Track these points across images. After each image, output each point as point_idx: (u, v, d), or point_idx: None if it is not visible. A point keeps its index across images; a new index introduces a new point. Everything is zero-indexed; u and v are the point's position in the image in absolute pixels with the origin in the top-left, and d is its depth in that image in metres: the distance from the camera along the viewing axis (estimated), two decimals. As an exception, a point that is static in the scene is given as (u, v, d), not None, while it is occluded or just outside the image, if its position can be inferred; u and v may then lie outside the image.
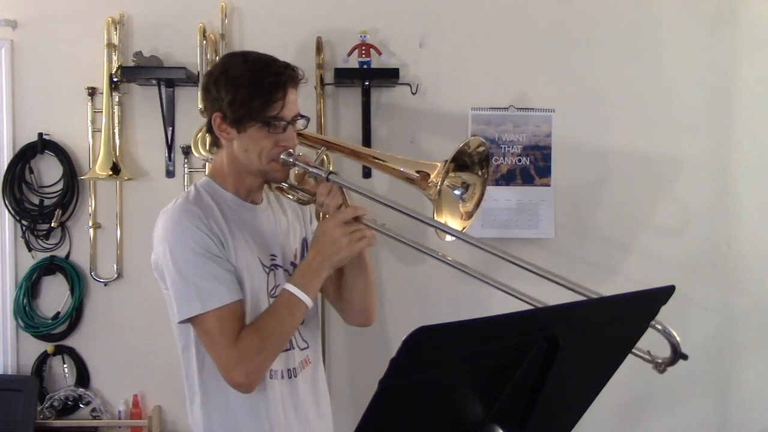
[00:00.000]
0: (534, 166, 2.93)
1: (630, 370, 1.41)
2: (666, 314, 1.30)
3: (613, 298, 1.22)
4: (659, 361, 1.34)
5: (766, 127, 3.01)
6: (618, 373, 1.36)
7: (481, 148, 1.70)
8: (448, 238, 1.63)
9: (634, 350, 1.36)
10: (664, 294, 1.24)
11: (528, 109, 2.92)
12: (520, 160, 2.93)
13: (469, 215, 1.71)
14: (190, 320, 1.54)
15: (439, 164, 1.65)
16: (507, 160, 2.91)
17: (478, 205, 1.72)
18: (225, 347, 1.50)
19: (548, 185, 2.93)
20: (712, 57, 3.00)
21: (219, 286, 1.52)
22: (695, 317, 2.94)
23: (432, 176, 1.65)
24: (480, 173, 1.71)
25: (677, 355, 1.30)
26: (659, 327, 1.30)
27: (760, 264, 3.00)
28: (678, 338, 1.30)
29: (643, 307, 1.29)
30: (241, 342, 1.50)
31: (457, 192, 1.71)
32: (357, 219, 1.57)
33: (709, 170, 3.01)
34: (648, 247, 3.00)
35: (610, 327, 1.27)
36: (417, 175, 1.67)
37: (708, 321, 2.99)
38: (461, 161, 1.69)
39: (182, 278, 1.52)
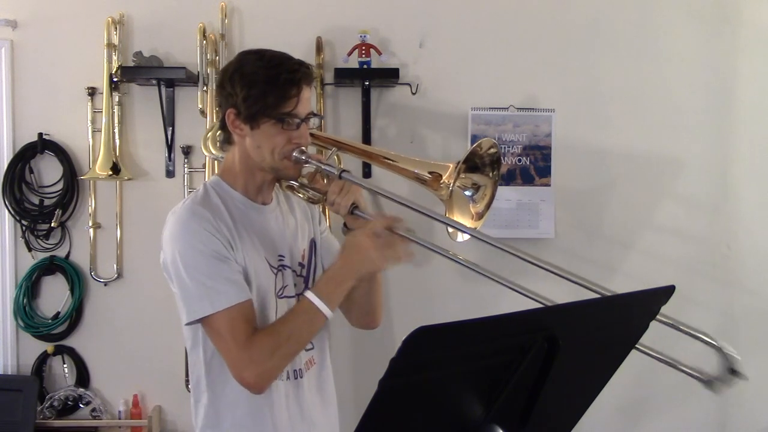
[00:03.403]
0: (534, 166, 2.93)
1: (630, 371, 1.41)
2: (666, 314, 1.30)
3: (613, 298, 1.22)
4: (711, 379, 1.30)
5: (766, 127, 3.01)
6: (618, 373, 1.36)
7: (493, 150, 1.70)
8: (460, 238, 1.63)
9: (684, 368, 1.32)
10: (664, 294, 1.24)
11: (528, 109, 2.92)
12: (520, 160, 2.93)
13: (480, 216, 1.71)
14: (200, 321, 1.53)
15: (451, 165, 1.65)
16: (507, 160, 2.91)
17: (488, 206, 1.72)
18: (236, 347, 1.50)
19: (548, 185, 2.93)
20: (712, 57, 3.00)
21: (228, 287, 1.52)
22: (695, 317, 2.89)
23: (444, 177, 1.64)
24: (491, 175, 1.71)
25: (733, 373, 1.28)
26: (714, 343, 1.26)
27: (760, 264, 3.00)
28: (735, 354, 1.26)
29: (643, 306, 1.29)
30: (255, 344, 1.49)
31: (467, 193, 1.71)
32: (390, 229, 1.54)
33: (709, 170, 3.02)
34: (648, 246, 3.00)
35: (611, 327, 1.27)
36: (429, 176, 1.67)
37: (708, 321, 2.97)
38: (472, 162, 1.69)
39: (191, 280, 1.51)
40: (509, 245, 1.47)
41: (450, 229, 1.64)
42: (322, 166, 1.64)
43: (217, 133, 1.84)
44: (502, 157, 1.72)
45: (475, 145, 1.68)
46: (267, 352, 1.49)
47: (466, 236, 1.63)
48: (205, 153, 2.03)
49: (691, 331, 1.34)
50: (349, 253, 1.56)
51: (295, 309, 1.58)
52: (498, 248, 1.48)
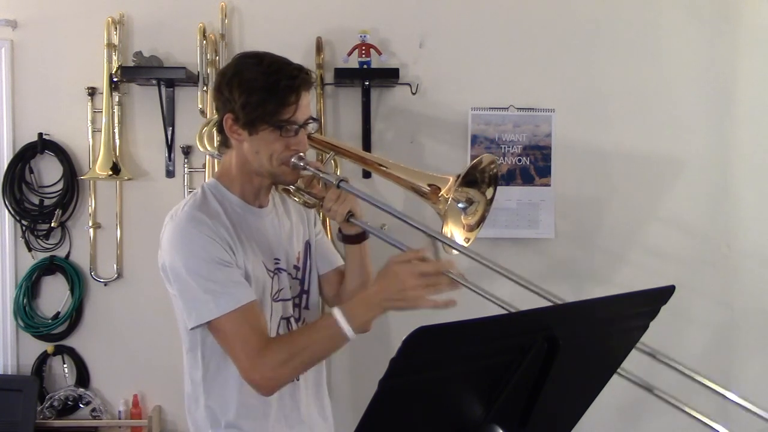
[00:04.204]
0: (534, 166, 2.93)
1: (630, 371, 1.41)
2: (666, 314, 1.30)
3: (613, 298, 1.22)
4: None
5: (766, 127, 3.01)
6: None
7: (492, 166, 1.70)
8: (455, 251, 1.62)
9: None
10: (664, 294, 1.24)
11: (528, 109, 2.92)
12: (520, 160, 2.93)
13: (471, 228, 1.71)
14: (206, 325, 1.53)
15: (451, 179, 1.64)
16: (507, 160, 2.91)
17: (479, 224, 1.71)
18: (244, 349, 1.49)
19: (548, 185, 2.93)
20: (712, 57, 3.00)
21: (233, 289, 1.51)
22: (695, 317, 2.94)
23: (443, 191, 1.64)
24: (486, 194, 1.71)
25: None
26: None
27: (760, 264, 3.00)
28: None
29: (643, 306, 1.29)
30: (270, 350, 1.48)
31: (460, 205, 1.70)
32: (443, 274, 1.45)
33: (709, 170, 3.01)
34: (648, 246, 2.99)
35: (611, 327, 1.27)
36: (428, 188, 1.67)
37: (708, 321, 2.99)
38: (472, 176, 1.69)
39: (196, 284, 1.51)
40: (501, 266, 1.46)
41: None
42: (321, 174, 1.64)
43: (213, 130, 1.84)
44: (499, 175, 1.71)
45: (475, 161, 1.68)
46: (280, 360, 1.48)
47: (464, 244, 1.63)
48: (201, 149, 2.03)
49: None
50: (389, 284, 1.45)
51: (317, 323, 1.56)
52: (491, 269, 1.47)
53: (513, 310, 1.48)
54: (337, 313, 1.47)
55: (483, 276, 1.55)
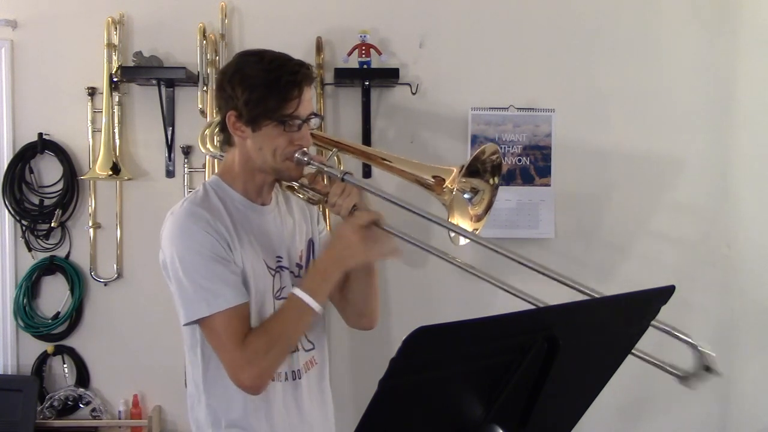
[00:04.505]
0: (534, 166, 2.93)
1: (630, 370, 1.41)
2: (666, 314, 1.30)
3: (613, 298, 1.22)
4: (687, 375, 1.32)
5: (766, 127, 3.01)
6: (618, 373, 1.36)
7: (495, 155, 1.71)
8: (462, 241, 1.63)
9: (659, 363, 1.35)
10: (664, 293, 1.24)
11: (528, 109, 2.92)
12: (520, 160, 2.93)
13: (479, 218, 1.72)
14: (197, 322, 1.54)
15: (455, 170, 1.65)
16: (507, 160, 2.91)
17: (487, 210, 1.72)
18: (232, 349, 1.50)
19: (548, 185, 2.93)
20: (712, 57, 3.00)
21: (226, 288, 1.52)
22: (695, 317, 2.94)
23: (447, 182, 1.64)
24: (491, 181, 1.72)
25: (707, 370, 1.29)
26: (690, 340, 1.29)
27: (760, 264, 3.00)
28: (710, 352, 1.29)
29: (643, 306, 1.29)
30: (249, 345, 1.50)
31: (466, 196, 1.71)
32: (375, 224, 1.56)
33: (709, 170, 3.02)
34: (648, 246, 3.00)
35: (611, 327, 1.27)
36: (432, 180, 1.67)
37: (708, 321, 2.99)
38: (474, 167, 1.69)
39: (189, 281, 1.51)
40: (510, 251, 1.47)
41: (451, 234, 1.64)
42: (325, 168, 1.64)
43: (215, 131, 1.84)
44: (502, 164, 1.73)
45: (478, 151, 1.69)
46: (261, 351, 1.49)
47: (467, 240, 1.63)
48: (203, 150, 2.03)
49: (670, 329, 1.34)
50: (334, 246, 1.58)
51: (284, 306, 1.58)
52: (499, 253, 1.48)
53: (495, 282, 1.52)
54: (299, 292, 1.54)
55: (491, 268, 1.56)
